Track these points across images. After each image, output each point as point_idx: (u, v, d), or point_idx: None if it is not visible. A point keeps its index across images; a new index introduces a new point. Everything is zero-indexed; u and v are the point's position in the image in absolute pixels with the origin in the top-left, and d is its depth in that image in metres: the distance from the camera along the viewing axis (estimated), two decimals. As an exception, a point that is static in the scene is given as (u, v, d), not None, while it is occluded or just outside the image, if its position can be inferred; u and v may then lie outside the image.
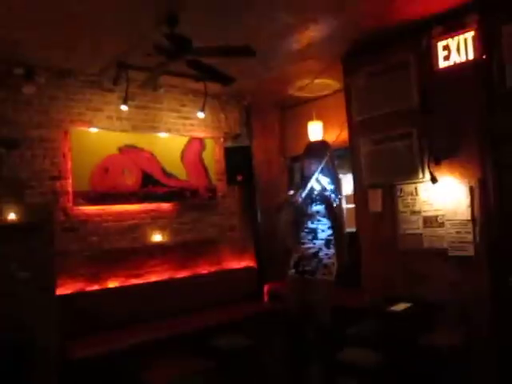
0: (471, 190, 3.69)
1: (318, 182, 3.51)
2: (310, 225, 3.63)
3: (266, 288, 5.77)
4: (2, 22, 3.47)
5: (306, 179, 3.63)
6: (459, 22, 3.65)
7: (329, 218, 3.63)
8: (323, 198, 3.55)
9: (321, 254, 3.56)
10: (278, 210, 3.89)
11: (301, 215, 3.67)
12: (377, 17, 3.79)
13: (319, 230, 3.60)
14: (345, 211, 5.30)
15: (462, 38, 3.66)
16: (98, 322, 4.37)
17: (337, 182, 3.71)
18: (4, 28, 3.58)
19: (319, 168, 3.50)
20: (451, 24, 3.71)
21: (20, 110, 4.33)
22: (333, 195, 3.53)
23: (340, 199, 3.68)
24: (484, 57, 3.58)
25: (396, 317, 3.78)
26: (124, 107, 4.64)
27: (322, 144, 4.02)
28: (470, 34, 3.62)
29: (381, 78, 4.31)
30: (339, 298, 3.93)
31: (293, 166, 6.32)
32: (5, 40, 3.77)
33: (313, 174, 3.51)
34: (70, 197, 4.55)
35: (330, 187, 3.53)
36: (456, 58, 3.71)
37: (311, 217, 3.64)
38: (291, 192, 3.70)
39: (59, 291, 4.27)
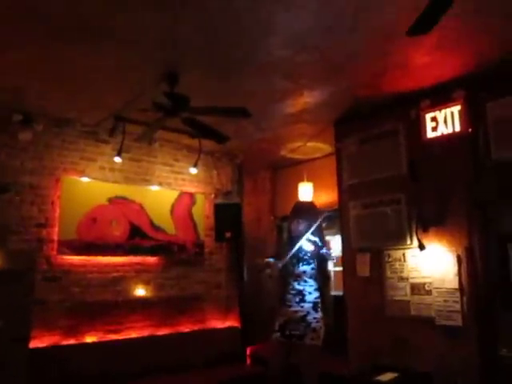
0: (458, 258, 3.70)
1: (310, 241, 3.53)
2: (296, 286, 3.59)
3: (249, 350, 5.58)
4: (5, 69, 3.57)
5: (292, 239, 3.65)
6: (446, 96, 3.83)
7: (315, 279, 3.60)
8: (318, 256, 3.55)
9: (309, 317, 3.49)
10: (260, 271, 3.87)
11: (287, 275, 3.64)
12: (369, 87, 3.97)
13: (306, 292, 3.55)
14: (332, 274, 5.26)
15: (448, 111, 3.83)
16: (72, 378, 4.14)
17: (325, 242, 3.72)
18: (6, 75, 3.67)
19: (309, 229, 3.51)
20: (439, 98, 3.88)
21: (13, 155, 4.35)
22: (328, 252, 3.56)
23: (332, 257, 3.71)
24: (470, 130, 3.72)
25: (382, 387, 3.65)
26: (118, 159, 4.67)
27: (311, 205, 4.07)
28: (456, 108, 3.78)
29: (371, 144, 4.44)
30: (326, 363, 3.81)
31: (282, 225, 6.33)
32: (6, 87, 3.86)
33: (300, 234, 3.54)
34: (55, 245, 4.47)
35: (322, 245, 3.56)
36: (443, 130, 3.85)
37: (297, 277, 3.60)
38: (272, 259, 3.68)
39: (33, 343, 4.09)
